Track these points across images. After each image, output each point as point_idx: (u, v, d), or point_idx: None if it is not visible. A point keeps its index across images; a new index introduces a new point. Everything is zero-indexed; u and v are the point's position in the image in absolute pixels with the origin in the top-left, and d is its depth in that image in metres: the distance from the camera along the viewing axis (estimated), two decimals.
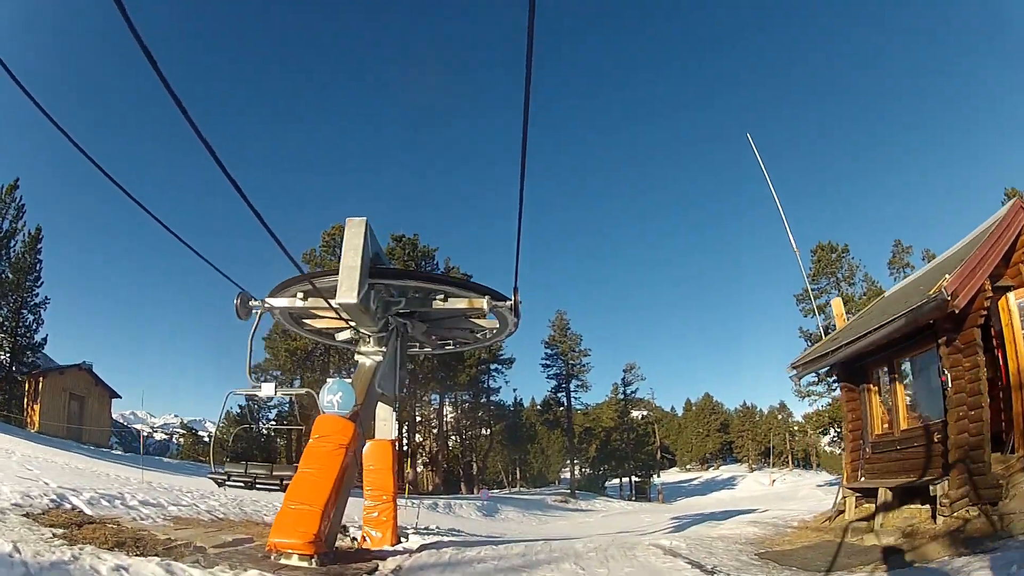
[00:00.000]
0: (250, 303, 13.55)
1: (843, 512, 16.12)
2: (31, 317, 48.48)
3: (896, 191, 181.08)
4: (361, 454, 12.33)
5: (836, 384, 64.10)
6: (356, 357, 14.20)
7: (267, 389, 12.38)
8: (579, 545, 14.39)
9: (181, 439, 77.59)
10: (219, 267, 10.23)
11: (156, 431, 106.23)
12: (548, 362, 78.16)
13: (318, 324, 16.19)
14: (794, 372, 18.78)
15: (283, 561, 9.52)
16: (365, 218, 12.61)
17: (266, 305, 13.80)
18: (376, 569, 10.06)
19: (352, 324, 13.60)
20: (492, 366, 69.67)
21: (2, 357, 46.60)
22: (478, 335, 17.11)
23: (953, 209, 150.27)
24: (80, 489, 13.77)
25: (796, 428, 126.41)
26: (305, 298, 13.98)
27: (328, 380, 11.64)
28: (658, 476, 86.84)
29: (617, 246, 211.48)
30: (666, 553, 12.52)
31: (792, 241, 25.30)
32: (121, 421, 78.90)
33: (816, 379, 65.81)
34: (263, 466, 17.64)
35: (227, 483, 13.86)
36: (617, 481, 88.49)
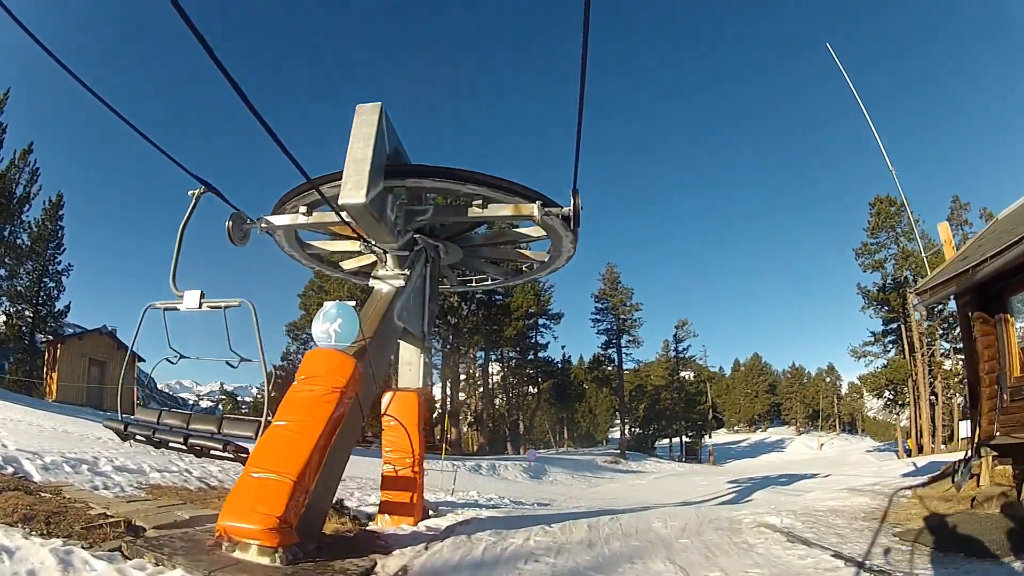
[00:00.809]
0: (245, 225, 10.78)
1: (976, 476, 12.61)
2: (52, 284, 46.87)
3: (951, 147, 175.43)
4: (366, 405, 8.97)
5: (892, 344, 62.69)
6: (370, 283, 11.08)
7: (189, 300, 9.04)
8: (659, 524, 11.04)
9: (223, 406, 75.93)
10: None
11: (202, 399, 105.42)
12: (598, 316, 74.31)
13: (330, 247, 13.18)
14: (919, 300, 14.96)
15: (237, 554, 6.40)
16: (380, 103, 9.50)
17: (263, 224, 10.99)
18: (371, 571, 6.71)
19: (367, 241, 10.53)
20: (540, 321, 66.63)
21: (24, 327, 44.99)
22: (524, 268, 14.04)
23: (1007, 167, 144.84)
24: (44, 452, 11.73)
25: (847, 392, 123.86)
26: (309, 212, 10.95)
27: (325, 304, 8.50)
28: (709, 437, 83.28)
29: (669, 195, 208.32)
30: (789, 539, 9.30)
31: (887, 158, 21.50)
32: (167, 391, 77.08)
33: (872, 338, 62.94)
34: (204, 419, 11.25)
35: (133, 437, 10.44)
36: (667, 441, 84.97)
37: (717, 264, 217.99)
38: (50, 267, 46.61)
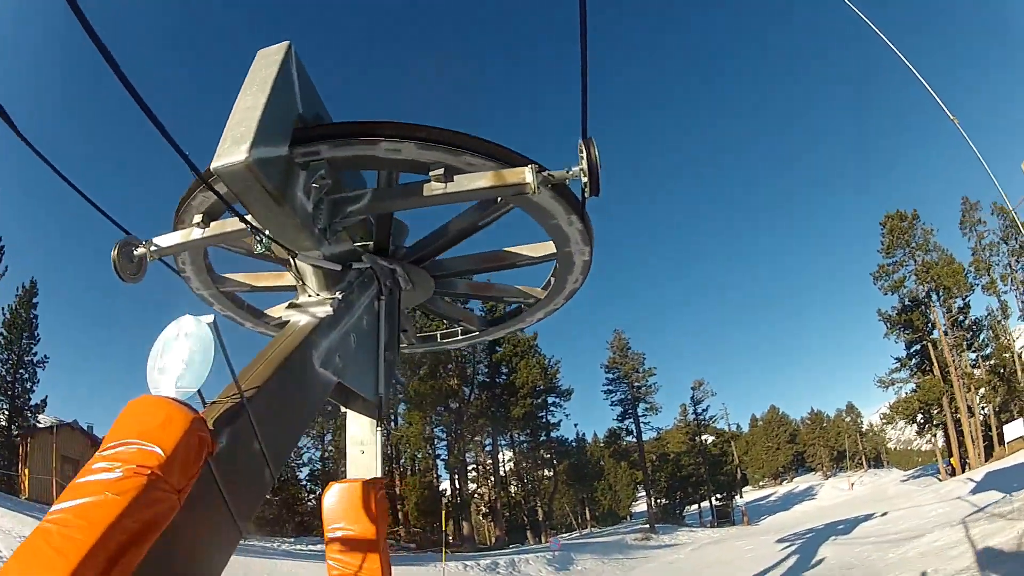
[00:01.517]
0: (135, 252, 7.06)
1: None
2: (27, 376, 44.51)
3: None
4: (246, 502, 5.00)
5: (918, 366, 58.86)
6: (282, 315, 7.72)
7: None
8: None
9: None
10: None
11: None
12: (610, 387, 69.80)
13: (255, 280, 9.38)
14: None
15: None
16: (288, 43, 6.17)
17: (152, 248, 7.09)
18: None
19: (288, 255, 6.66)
20: (550, 399, 62.58)
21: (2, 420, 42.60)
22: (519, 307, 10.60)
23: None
24: None
25: (868, 427, 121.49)
26: (206, 223, 7.09)
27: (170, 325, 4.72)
28: (740, 496, 78.42)
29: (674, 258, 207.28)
30: None
31: (945, 108, 18.41)
32: None
33: (898, 364, 60.01)
34: None
35: None
36: (695, 507, 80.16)
37: (721, 322, 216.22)
38: (24, 357, 44.37)
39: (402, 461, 52.80)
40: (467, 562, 28.21)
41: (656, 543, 48.27)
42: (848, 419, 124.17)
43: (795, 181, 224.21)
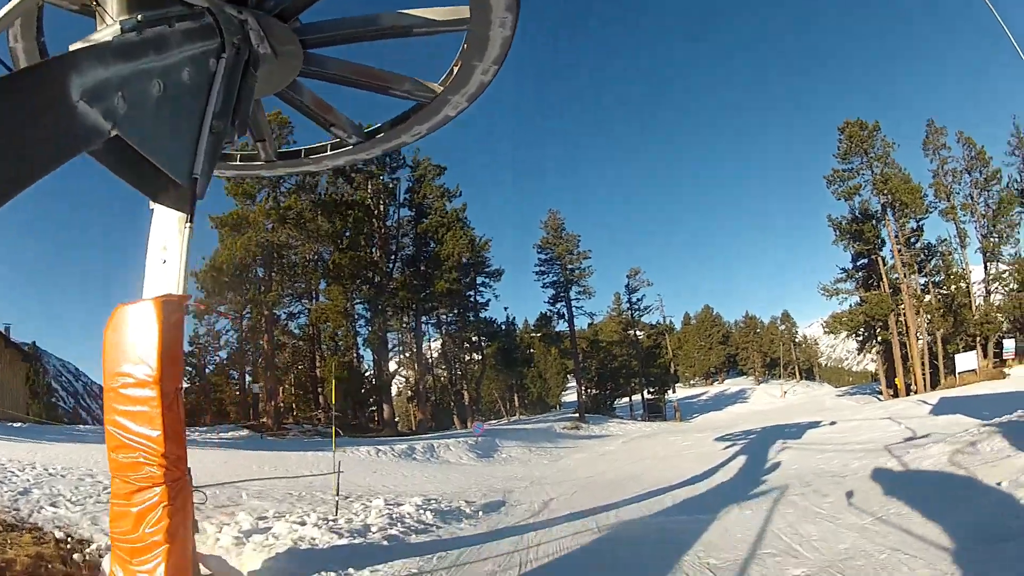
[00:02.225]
0: None
1: None
2: None
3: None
4: None
5: (868, 280, 57.08)
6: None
7: None
8: None
9: None
10: None
11: None
12: (543, 268, 65.64)
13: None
14: None
15: None
16: None
17: None
18: None
19: None
20: (479, 280, 59.01)
21: None
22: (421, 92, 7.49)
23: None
24: None
25: (804, 338, 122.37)
26: None
27: None
28: (673, 392, 76.51)
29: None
30: None
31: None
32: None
33: (845, 275, 57.88)
34: None
35: None
36: (625, 401, 77.46)
37: (660, 213, 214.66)
38: None
39: (322, 341, 49.11)
40: (380, 446, 25.32)
41: (586, 433, 46.32)
42: (783, 327, 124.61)
43: (757, 76, 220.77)
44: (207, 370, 50.81)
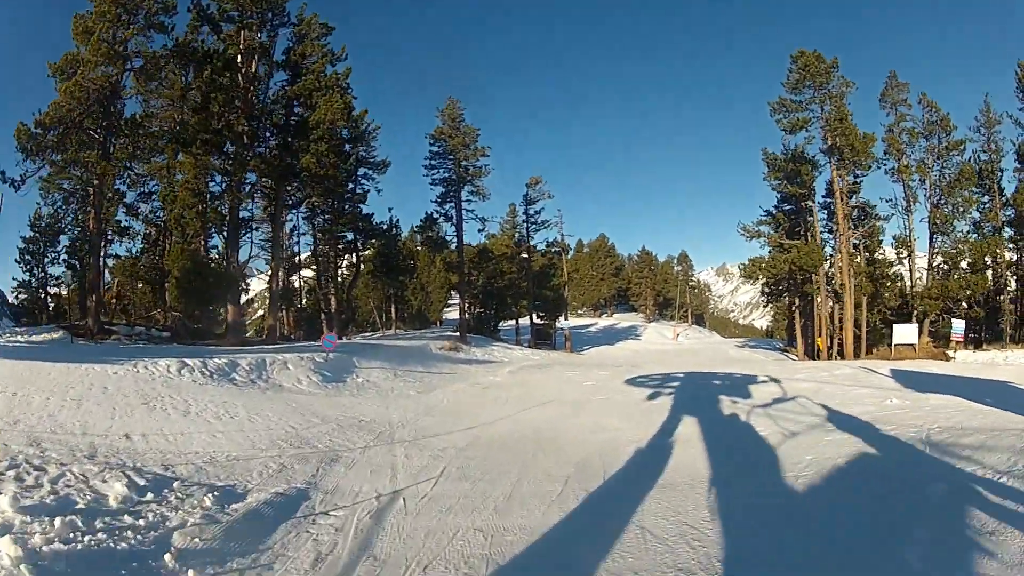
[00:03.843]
0: None
1: None
2: None
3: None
4: None
5: (794, 228, 50.61)
6: None
7: None
8: None
9: None
10: None
11: None
12: (433, 162, 56.24)
13: None
14: None
15: None
16: None
17: None
18: None
19: None
20: (360, 171, 50.98)
21: None
22: None
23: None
24: None
25: (698, 282, 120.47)
26: None
27: None
28: (565, 319, 70.00)
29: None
30: None
31: None
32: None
33: (770, 216, 54.00)
34: None
35: None
36: (512, 323, 70.74)
37: (565, 126, 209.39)
38: None
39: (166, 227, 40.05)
40: (188, 359, 17.76)
41: (466, 356, 39.73)
42: (679, 268, 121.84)
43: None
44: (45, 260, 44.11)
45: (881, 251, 54.57)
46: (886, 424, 11.54)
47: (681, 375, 24.54)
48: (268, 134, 39.91)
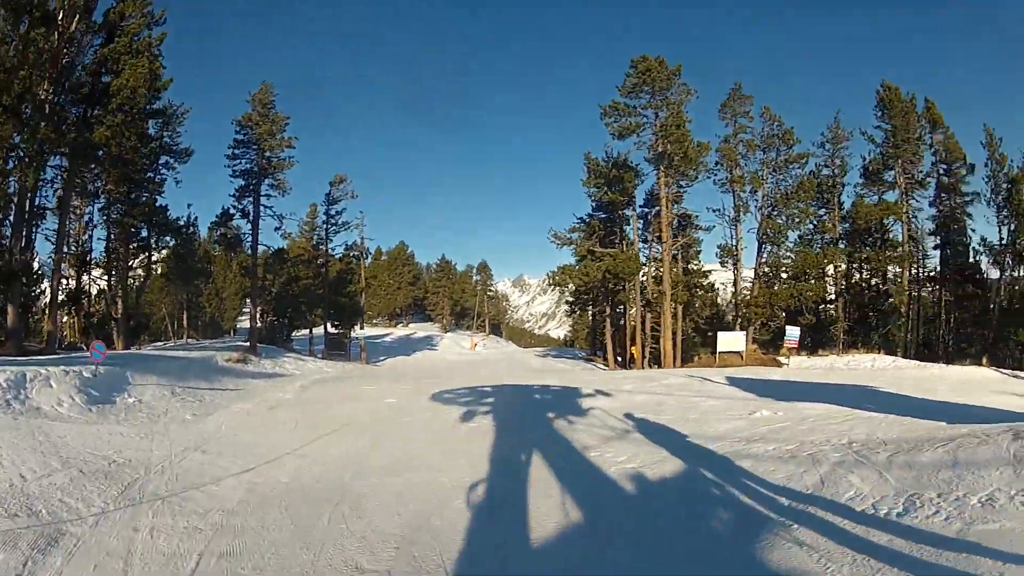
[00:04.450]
0: None
1: None
2: None
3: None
4: None
5: (608, 236, 51.81)
6: None
7: None
8: None
9: None
10: None
11: None
12: (237, 152, 51.22)
13: None
14: None
15: None
16: None
17: None
18: None
19: None
20: (162, 159, 47.06)
21: None
22: None
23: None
24: None
25: (496, 292, 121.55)
26: None
27: None
28: (361, 328, 67.88)
29: None
30: None
31: None
32: None
33: (583, 223, 55.37)
34: None
35: None
36: (306, 333, 67.17)
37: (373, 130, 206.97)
38: None
39: None
40: None
41: (255, 369, 36.89)
42: (478, 278, 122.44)
43: None
44: None
45: (698, 262, 57.04)
46: (778, 443, 10.57)
47: (491, 388, 23.08)
48: (71, 105, 35.55)
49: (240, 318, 75.36)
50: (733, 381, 23.78)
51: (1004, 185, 50.10)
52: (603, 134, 52.19)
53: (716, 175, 52.70)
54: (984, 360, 44.57)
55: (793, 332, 44.00)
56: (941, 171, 53.92)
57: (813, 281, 50.59)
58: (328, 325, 65.09)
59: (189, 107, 50.38)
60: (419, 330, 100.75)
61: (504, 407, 17.52)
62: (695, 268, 56.36)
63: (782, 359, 44.17)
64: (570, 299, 63.53)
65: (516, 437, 12.91)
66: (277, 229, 54.38)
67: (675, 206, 50.64)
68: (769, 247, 52.70)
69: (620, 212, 53.52)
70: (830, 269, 54.01)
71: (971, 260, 53.39)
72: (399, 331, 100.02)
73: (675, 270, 51.43)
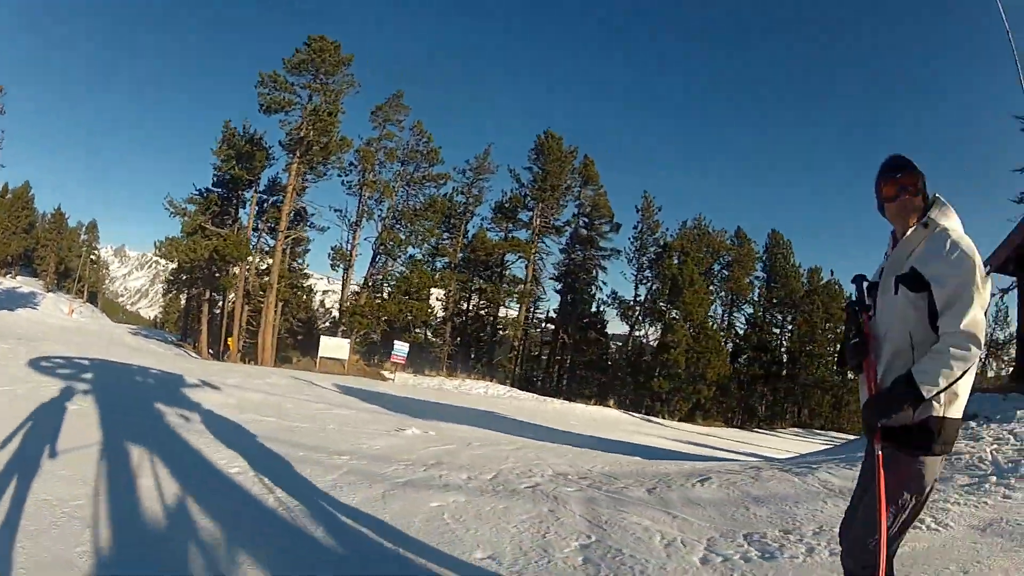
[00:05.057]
0: None
1: None
2: None
3: None
4: None
5: (225, 216, 51.85)
6: None
7: None
8: None
9: None
10: None
11: None
12: None
13: None
14: None
15: None
16: None
17: None
18: None
19: None
20: None
21: None
22: None
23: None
24: None
25: (98, 257, 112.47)
26: None
27: None
28: None
29: None
30: None
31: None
32: None
33: (200, 195, 51.31)
34: None
35: None
36: None
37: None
38: None
39: None
40: None
41: None
42: (85, 237, 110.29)
43: None
44: None
45: (303, 260, 56.04)
46: (470, 471, 8.09)
47: (88, 362, 19.68)
48: None
49: None
50: (347, 390, 22.31)
51: (651, 249, 55.40)
52: (251, 107, 49.47)
53: (348, 175, 52.50)
54: (612, 402, 46.96)
55: (402, 347, 43.61)
56: (582, 224, 58.42)
57: (424, 300, 51.37)
58: None
59: None
60: (25, 285, 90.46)
61: (106, 388, 11.55)
62: (299, 267, 55.61)
63: (387, 373, 43.72)
64: (170, 277, 60.17)
65: (120, 429, 8.58)
66: None
67: (298, 197, 49.61)
68: (385, 258, 53.73)
69: (240, 192, 51.63)
70: (441, 292, 54.93)
71: (595, 310, 58.05)
72: (7, 282, 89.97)
73: (283, 265, 50.16)
